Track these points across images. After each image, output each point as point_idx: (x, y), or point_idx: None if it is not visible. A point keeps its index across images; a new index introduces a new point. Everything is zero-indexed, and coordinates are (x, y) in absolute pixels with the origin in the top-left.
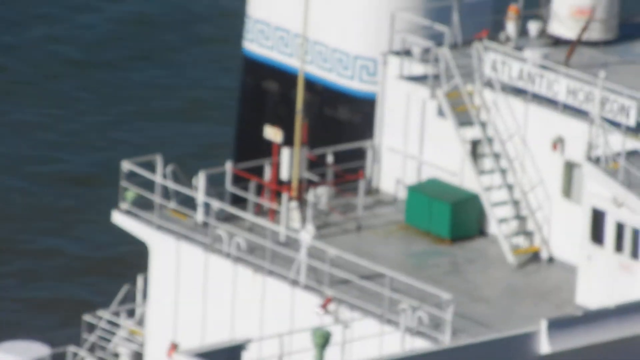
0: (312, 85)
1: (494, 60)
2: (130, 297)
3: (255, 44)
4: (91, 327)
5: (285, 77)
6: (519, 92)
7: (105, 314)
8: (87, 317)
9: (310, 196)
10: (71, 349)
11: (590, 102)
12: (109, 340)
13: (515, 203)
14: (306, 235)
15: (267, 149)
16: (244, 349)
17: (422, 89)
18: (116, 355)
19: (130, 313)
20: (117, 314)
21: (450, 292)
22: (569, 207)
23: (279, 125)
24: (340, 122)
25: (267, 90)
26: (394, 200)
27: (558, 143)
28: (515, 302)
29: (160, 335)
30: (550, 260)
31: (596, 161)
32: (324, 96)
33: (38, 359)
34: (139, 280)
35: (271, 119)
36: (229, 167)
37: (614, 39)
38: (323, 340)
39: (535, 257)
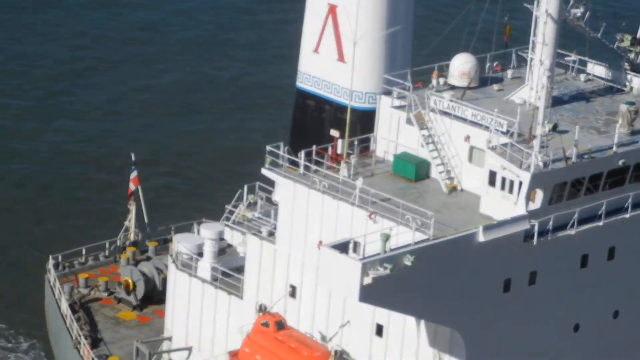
0: (332, 103)
1: (435, 99)
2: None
3: (302, 84)
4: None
5: (317, 99)
6: (447, 114)
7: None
8: (227, 206)
9: (349, 160)
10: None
11: (484, 120)
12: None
13: (445, 164)
14: (359, 182)
15: (308, 135)
16: (350, 243)
17: (400, 112)
18: (259, 231)
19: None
20: (237, 204)
21: (423, 207)
22: (470, 166)
23: (315, 124)
24: (344, 120)
25: (308, 105)
26: (384, 161)
27: (467, 138)
28: (452, 211)
29: (285, 232)
30: (462, 190)
31: (492, 148)
32: (338, 109)
33: (218, 232)
34: (244, 188)
35: (310, 121)
36: (314, 148)
37: (477, 85)
38: (386, 237)
39: (455, 189)
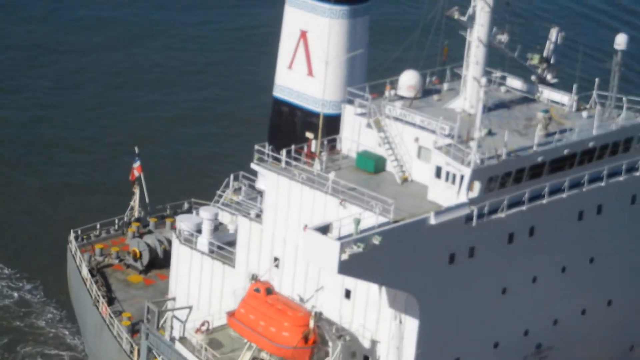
0: (303, 110)
1: (389, 107)
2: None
3: (278, 93)
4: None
5: (290, 107)
6: (399, 120)
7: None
8: (218, 191)
9: (321, 156)
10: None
11: (430, 125)
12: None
13: (399, 160)
14: (332, 175)
15: (283, 136)
16: (329, 226)
17: (362, 118)
18: (248, 213)
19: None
20: (225, 190)
21: (382, 195)
22: (419, 162)
23: (288, 126)
24: (316, 124)
25: (282, 111)
26: (347, 157)
27: (416, 139)
28: (405, 199)
29: (270, 214)
30: (412, 181)
31: (439, 148)
32: (307, 114)
33: (214, 213)
34: (231, 177)
35: (284, 124)
36: (293, 147)
37: (421, 96)
38: (358, 222)
39: (406, 180)
